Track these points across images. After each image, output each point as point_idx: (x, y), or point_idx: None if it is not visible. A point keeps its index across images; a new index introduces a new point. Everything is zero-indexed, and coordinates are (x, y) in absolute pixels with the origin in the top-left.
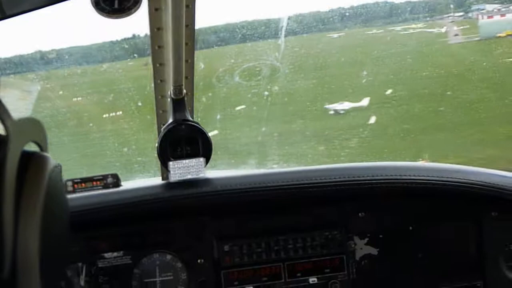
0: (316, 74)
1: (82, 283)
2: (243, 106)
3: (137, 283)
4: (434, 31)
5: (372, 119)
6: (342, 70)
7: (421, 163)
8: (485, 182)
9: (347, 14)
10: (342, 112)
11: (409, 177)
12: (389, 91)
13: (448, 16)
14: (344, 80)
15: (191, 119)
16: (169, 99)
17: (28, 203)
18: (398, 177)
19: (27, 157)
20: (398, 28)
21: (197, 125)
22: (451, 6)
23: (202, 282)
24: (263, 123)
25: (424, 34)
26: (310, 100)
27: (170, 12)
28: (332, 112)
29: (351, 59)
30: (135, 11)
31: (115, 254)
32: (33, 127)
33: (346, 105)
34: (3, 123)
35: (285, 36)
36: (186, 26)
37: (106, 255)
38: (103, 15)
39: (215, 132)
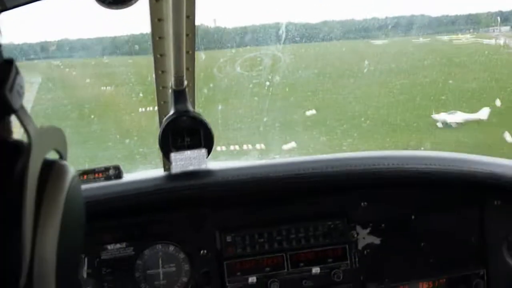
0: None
1: (84, 275)
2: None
3: (140, 274)
4: (491, 42)
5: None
6: (431, 77)
7: (423, 152)
8: (488, 171)
9: (387, 23)
10: (454, 125)
11: (411, 166)
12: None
13: (494, 29)
14: (435, 88)
15: (192, 110)
16: (170, 90)
17: (48, 212)
18: (400, 166)
19: (48, 165)
20: (445, 38)
21: (199, 116)
22: (498, 19)
23: (205, 273)
24: None
25: (481, 44)
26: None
27: (170, 2)
28: (440, 124)
29: (430, 65)
30: (135, 1)
31: (117, 245)
32: (54, 135)
33: (459, 116)
34: (26, 131)
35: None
36: (187, 17)
37: (108, 246)
38: (103, 6)
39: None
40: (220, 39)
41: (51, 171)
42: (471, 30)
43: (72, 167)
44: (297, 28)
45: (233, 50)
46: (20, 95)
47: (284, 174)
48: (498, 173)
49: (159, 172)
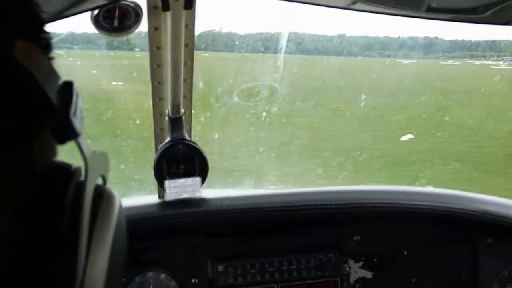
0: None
1: None
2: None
3: None
4: None
5: None
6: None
7: (418, 188)
8: (481, 209)
9: (408, 42)
10: None
11: (405, 202)
12: None
13: None
14: None
15: (188, 138)
16: (167, 118)
17: (99, 240)
18: (394, 202)
19: (99, 192)
20: (477, 63)
21: (194, 145)
22: None
23: None
24: None
25: None
26: None
27: (169, 31)
28: None
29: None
30: (134, 29)
31: None
32: (104, 160)
33: None
34: (83, 156)
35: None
36: (186, 45)
37: None
38: (102, 33)
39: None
40: (229, 42)
41: (102, 197)
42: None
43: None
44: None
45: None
46: (81, 119)
47: (278, 205)
48: (491, 211)
49: (153, 199)
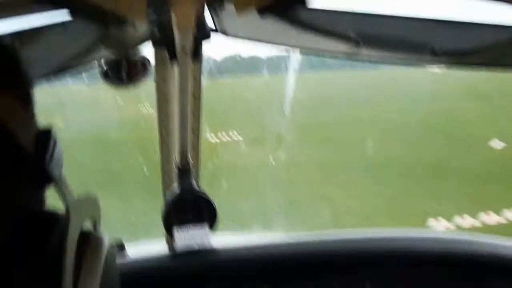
0: None
1: None
2: None
3: None
4: None
5: None
6: None
7: (427, 232)
8: (490, 251)
9: None
10: None
11: (416, 248)
12: None
13: None
14: None
15: (196, 187)
16: (175, 167)
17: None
18: (404, 247)
19: (84, 237)
20: None
21: (203, 195)
22: None
23: None
24: None
25: None
26: None
27: (177, 83)
28: None
29: None
30: (142, 81)
31: None
32: (91, 204)
33: None
34: (64, 201)
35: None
36: (194, 97)
37: None
38: (111, 86)
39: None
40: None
41: (87, 244)
42: None
43: (107, 236)
44: None
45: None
46: (59, 165)
47: (289, 254)
48: (500, 253)
49: (162, 247)
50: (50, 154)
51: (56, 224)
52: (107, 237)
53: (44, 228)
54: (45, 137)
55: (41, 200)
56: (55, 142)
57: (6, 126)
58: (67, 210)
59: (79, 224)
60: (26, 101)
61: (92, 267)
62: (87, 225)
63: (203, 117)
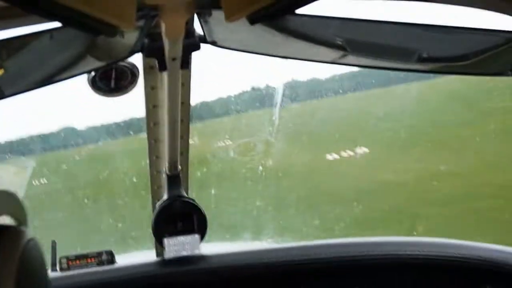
0: None
1: None
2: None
3: None
4: None
5: None
6: None
7: (417, 238)
8: (481, 257)
9: None
10: None
11: (405, 253)
12: None
13: None
14: None
15: (186, 195)
16: (164, 175)
17: None
18: (394, 252)
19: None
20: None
21: (193, 202)
22: None
23: None
24: None
25: None
26: None
27: (166, 90)
28: None
29: None
30: (131, 89)
31: None
32: (7, 200)
33: None
34: None
35: None
36: (182, 103)
37: None
38: (99, 94)
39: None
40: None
41: (2, 236)
42: None
43: (30, 232)
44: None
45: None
46: None
47: (277, 260)
48: (492, 258)
49: (152, 256)
50: None
51: None
52: (30, 233)
53: None
54: None
55: None
56: None
57: None
58: None
59: None
60: None
61: (6, 257)
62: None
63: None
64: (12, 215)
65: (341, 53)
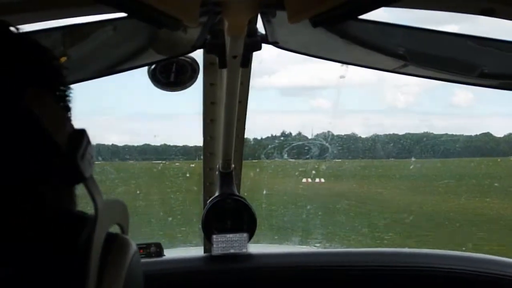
0: None
1: None
2: None
3: None
4: None
5: None
6: None
7: (459, 253)
8: (494, 270)
9: None
10: None
11: (449, 267)
12: None
13: None
14: None
15: (237, 193)
16: (217, 172)
17: (109, 286)
18: (440, 266)
19: (110, 239)
20: None
21: (243, 200)
22: None
23: None
24: None
25: None
26: None
27: (224, 87)
28: None
29: None
30: (190, 85)
31: None
32: (119, 208)
33: None
34: (93, 201)
35: None
36: (239, 102)
37: None
38: (157, 87)
39: None
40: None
41: (114, 245)
42: None
43: (134, 242)
44: None
45: None
46: (91, 164)
47: (325, 264)
48: (502, 272)
49: (199, 252)
50: (82, 152)
51: (84, 224)
52: (134, 243)
53: (71, 227)
54: (78, 136)
55: (71, 199)
56: (88, 142)
57: (42, 123)
58: (96, 210)
59: (106, 225)
60: (65, 101)
61: (117, 267)
62: (115, 229)
63: None
64: (119, 224)
65: (402, 62)
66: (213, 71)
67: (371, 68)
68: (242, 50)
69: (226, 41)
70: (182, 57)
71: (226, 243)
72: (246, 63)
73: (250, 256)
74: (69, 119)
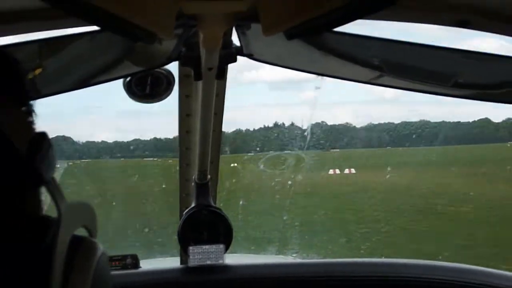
0: None
1: None
2: None
3: None
4: None
5: None
6: None
7: (441, 263)
8: (492, 283)
9: None
10: None
11: (430, 277)
12: None
13: None
14: None
15: (213, 204)
16: (193, 183)
17: None
18: (418, 276)
19: (77, 242)
20: None
21: (219, 211)
22: None
23: None
24: None
25: None
26: None
27: (200, 99)
28: None
29: None
30: (166, 97)
31: None
32: (84, 211)
33: None
34: (56, 205)
35: None
36: (215, 114)
37: None
38: (134, 99)
39: None
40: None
41: (80, 247)
42: None
43: (101, 245)
44: None
45: None
46: (52, 167)
47: (301, 275)
48: (502, 285)
49: (176, 263)
50: (42, 156)
51: (47, 226)
52: (101, 245)
53: (34, 231)
54: (39, 139)
55: (35, 203)
56: (49, 146)
57: (4, 130)
58: (59, 213)
59: (71, 228)
60: (27, 105)
61: (83, 270)
62: (82, 231)
63: None
64: (86, 226)
65: (377, 73)
66: (189, 83)
67: (347, 79)
68: (217, 62)
69: (201, 53)
70: (158, 69)
71: (203, 254)
72: (222, 75)
73: (226, 268)
74: (31, 123)
